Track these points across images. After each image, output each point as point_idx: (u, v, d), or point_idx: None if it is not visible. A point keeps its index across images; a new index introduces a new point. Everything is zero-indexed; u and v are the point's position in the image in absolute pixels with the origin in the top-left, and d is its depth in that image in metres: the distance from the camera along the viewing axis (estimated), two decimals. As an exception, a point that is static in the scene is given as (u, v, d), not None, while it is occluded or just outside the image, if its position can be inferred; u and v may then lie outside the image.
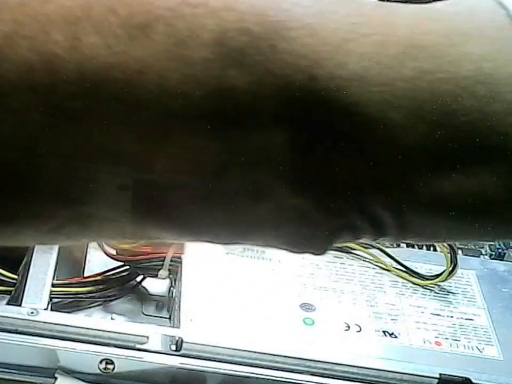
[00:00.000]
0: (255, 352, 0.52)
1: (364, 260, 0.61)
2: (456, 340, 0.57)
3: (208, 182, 0.22)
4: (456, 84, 0.21)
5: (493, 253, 0.67)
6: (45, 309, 0.52)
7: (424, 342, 0.56)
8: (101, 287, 0.57)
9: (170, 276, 0.59)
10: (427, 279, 0.60)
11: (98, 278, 0.57)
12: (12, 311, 0.51)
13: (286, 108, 0.21)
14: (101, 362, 0.50)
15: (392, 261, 0.61)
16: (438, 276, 0.60)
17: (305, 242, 0.24)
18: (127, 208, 0.23)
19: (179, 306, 0.55)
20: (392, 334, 0.56)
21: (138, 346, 0.51)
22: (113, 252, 0.58)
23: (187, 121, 0.21)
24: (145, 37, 0.21)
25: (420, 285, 0.60)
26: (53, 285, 0.55)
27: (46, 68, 0.21)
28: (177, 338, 0.51)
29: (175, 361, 0.51)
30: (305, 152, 0.22)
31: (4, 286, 0.55)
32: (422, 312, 0.58)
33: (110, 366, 0.50)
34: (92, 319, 0.55)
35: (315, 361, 0.52)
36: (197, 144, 0.22)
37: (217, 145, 0.22)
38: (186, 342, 0.51)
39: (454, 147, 0.22)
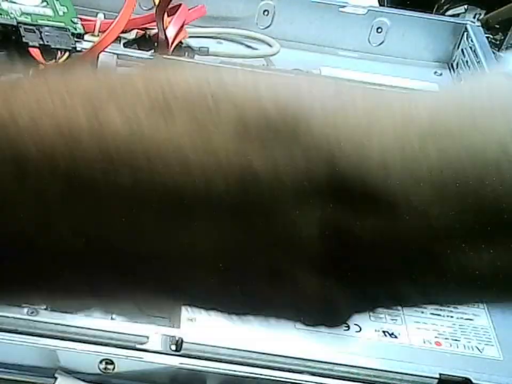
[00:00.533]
0: (255, 352, 0.52)
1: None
2: (456, 340, 0.57)
3: (227, 262, 0.22)
4: (482, 165, 0.21)
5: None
6: (45, 309, 0.52)
7: (424, 342, 0.56)
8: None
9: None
10: (427, 279, 0.60)
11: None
12: (12, 311, 0.51)
13: (308, 195, 0.21)
14: (101, 362, 0.50)
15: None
16: (438, 275, 0.60)
17: (323, 319, 0.24)
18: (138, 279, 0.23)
19: (179, 306, 0.55)
20: (392, 334, 0.56)
21: (138, 346, 0.51)
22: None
23: (209, 204, 0.22)
24: (166, 122, 0.22)
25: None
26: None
27: (67, 143, 0.21)
28: (177, 338, 0.51)
29: (175, 361, 0.51)
30: (329, 237, 0.22)
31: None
32: (422, 312, 0.58)
33: (110, 366, 0.50)
34: (92, 319, 0.55)
35: (315, 361, 0.52)
36: (218, 227, 0.22)
37: (240, 229, 0.22)
38: (186, 342, 0.51)
39: (482, 226, 0.21)
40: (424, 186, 0.21)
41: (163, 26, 0.67)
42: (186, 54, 0.71)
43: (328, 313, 0.24)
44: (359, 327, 0.56)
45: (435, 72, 0.84)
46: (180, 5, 0.73)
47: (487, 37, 0.83)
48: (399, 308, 0.24)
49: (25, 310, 0.51)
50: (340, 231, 0.22)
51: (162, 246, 0.22)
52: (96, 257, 0.22)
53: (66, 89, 0.22)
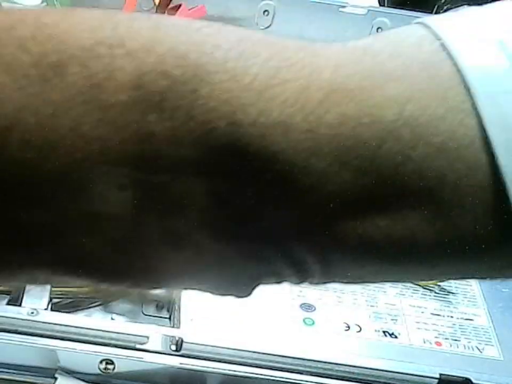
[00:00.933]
0: (255, 352, 0.52)
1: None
2: (456, 340, 0.57)
3: (123, 229, 0.21)
4: (380, 128, 0.20)
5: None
6: (45, 309, 0.52)
7: (424, 342, 0.56)
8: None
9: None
10: (427, 279, 0.60)
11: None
12: (12, 311, 0.51)
13: (206, 156, 0.20)
14: (101, 362, 0.50)
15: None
16: (438, 275, 0.60)
17: (227, 287, 0.24)
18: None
19: (179, 306, 0.55)
20: (392, 334, 0.56)
21: (138, 346, 0.51)
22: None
23: (103, 168, 0.20)
24: (58, 78, 0.20)
25: (420, 285, 0.60)
26: (53, 285, 0.55)
27: None
28: (177, 338, 0.51)
29: (175, 361, 0.51)
30: (226, 202, 0.21)
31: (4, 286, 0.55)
32: (422, 312, 0.58)
33: (110, 366, 0.50)
34: (92, 319, 0.55)
35: (315, 361, 0.52)
36: (112, 191, 0.21)
37: (134, 192, 0.21)
38: (186, 342, 0.51)
39: (379, 192, 0.21)
40: (323, 150, 0.20)
41: (163, 27, 0.67)
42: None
43: (230, 282, 0.23)
44: (359, 327, 0.56)
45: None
46: (180, 5, 0.73)
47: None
48: (311, 284, 0.23)
49: (25, 310, 0.51)
50: (236, 196, 0.21)
51: (59, 216, 0.21)
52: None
53: None
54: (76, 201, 0.21)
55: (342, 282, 0.24)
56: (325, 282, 0.24)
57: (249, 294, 0.24)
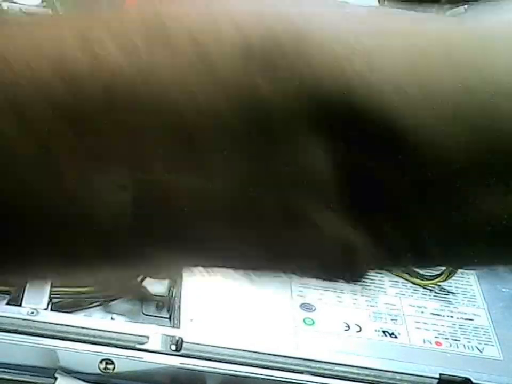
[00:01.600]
0: (255, 352, 0.52)
1: (364, 260, 0.61)
2: (456, 340, 0.57)
3: (236, 202, 0.21)
4: (497, 90, 0.20)
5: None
6: (45, 309, 0.52)
7: (424, 342, 0.56)
8: (101, 287, 0.57)
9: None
10: (427, 279, 0.60)
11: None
12: (12, 311, 0.51)
13: (321, 118, 0.20)
14: (101, 362, 0.50)
15: (392, 261, 0.61)
16: (438, 276, 0.60)
17: (343, 269, 0.23)
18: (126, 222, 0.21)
19: (179, 306, 0.55)
20: (392, 334, 0.56)
21: (138, 346, 0.51)
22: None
23: (217, 137, 0.20)
24: (167, 50, 0.20)
25: (420, 285, 0.60)
26: (53, 285, 0.55)
27: (67, 87, 0.20)
28: (177, 338, 0.51)
29: (175, 361, 0.51)
30: (344, 167, 0.21)
31: (4, 286, 0.55)
32: (422, 312, 0.58)
33: (110, 366, 0.50)
34: (92, 319, 0.55)
35: (315, 361, 0.52)
36: (226, 160, 0.21)
37: (249, 162, 0.21)
38: (186, 342, 0.51)
39: (498, 160, 0.20)
40: (440, 111, 0.20)
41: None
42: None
43: (347, 263, 0.23)
44: (359, 327, 0.56)
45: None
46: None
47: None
48: (420, 264, 0.22)
49: (25, 310, 0.51)
50: (354, 166, 0.21)
51: (172, 191, 0.21)
52: (103, 207, 0.21)
53: (58, 28, 0.21)
54: (185, 172, 0.21)
55: (455, 264, 0.23)
56: (441, 265, 0.23)
57: (360, 279, 0.23)
